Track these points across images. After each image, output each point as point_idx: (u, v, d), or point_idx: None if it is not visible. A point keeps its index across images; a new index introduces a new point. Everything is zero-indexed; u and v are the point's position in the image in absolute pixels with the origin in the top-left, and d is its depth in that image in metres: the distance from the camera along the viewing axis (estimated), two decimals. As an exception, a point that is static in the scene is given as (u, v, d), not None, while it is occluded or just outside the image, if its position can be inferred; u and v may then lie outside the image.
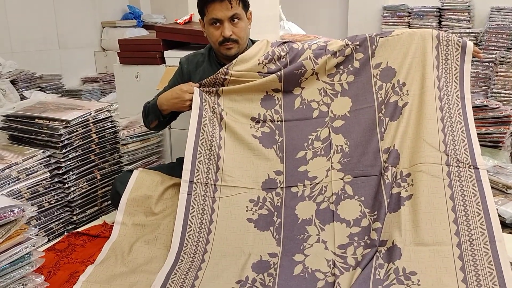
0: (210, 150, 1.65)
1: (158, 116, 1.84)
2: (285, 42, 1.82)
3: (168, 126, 2.21)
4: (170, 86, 1.90)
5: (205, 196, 1.62)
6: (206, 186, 1.62)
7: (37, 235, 1.34)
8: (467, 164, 1.48)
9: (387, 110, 1.62)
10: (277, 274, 1.40)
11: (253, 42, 1.87)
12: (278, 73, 1.71)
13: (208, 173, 1.64)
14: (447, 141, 1.52)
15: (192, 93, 1.71)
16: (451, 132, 1.54)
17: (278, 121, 1.72)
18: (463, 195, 1.43)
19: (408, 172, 1.52)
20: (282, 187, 1.63)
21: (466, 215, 1.39)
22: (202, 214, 1.59)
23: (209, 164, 1.65)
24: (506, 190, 1.94)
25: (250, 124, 1.72)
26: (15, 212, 1.26)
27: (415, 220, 1.42)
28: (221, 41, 1.74)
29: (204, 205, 1.60)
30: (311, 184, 1.61)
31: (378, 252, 1.41)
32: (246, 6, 1.75)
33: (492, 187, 1.99)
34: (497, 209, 1.80)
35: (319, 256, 1.45)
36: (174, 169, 1.91)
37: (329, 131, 1.67)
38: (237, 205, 1.61)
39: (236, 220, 1.58)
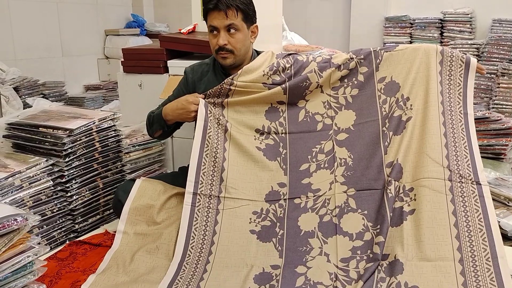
0: (214, 161, 1.66)
1: (162, 126, 1.85)
2: (290, 54, 1.83)
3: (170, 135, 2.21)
4: (174, 96, 1.91)
5: (208, 208, 1.62)
6: (210, 198, 1.63)
7: (39, 244, 1.35)
8: (470, 179, 1.49)
9: (391, 124, 1.63)
10: (279, 286, 1.40)
11: (258, 53, 1.88)
12: (283, 85, 1.72)
13: (212, 184, 1.64)
14: (450, 156, 1.52)
15: (198, 105, 1.72)
16: (454, 147, 1.54)
17: (282, 133, 1.73)
18: (465, 211, 1.43)
19: (411, 187, 1.52)
20: (286, 199, 1.63)
21: (469, 231, 1.39)
22: (206, 225, 1.60)
23: (213, 176, 1.66)
24: (508, 202, 1.94)
25: (255, 136, 1.72)
26: (18, 221, 1.26)
27: (417, 235, 1.42)
28: (217, 50, 1.76)
29: (207, 216, 1.61)
30: (314, 196, 1.61)
31: (380, 266, 1.41)
32: (248, 18, 1.76)
33: (493, 199, 2.00)
34: (499, 222, 1.80)
35: (321, 269, 1.45)
36: (176, 178, 1.91)
37: (333, 144, 1.68)
38: (240, 217, 1.61)
39: (239, 231, 1.58)
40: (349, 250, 1.48)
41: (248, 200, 1.64)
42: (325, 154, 1.68)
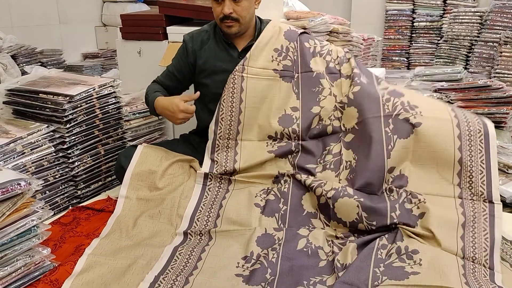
0: (227, 149, 1.74)
1: (152, 112, 1.85)
2: (299, 34, 1.81)
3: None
4: (174, 66, 1.88)
5: (219, 188, 1.70)
6: (221, 179, 1.72)
7: (43, 208, 1.36)
8: (482, 198, 1.45)
9: (396, 126, 1.57)
10: (280, 249, 1.42)
11: (260, 20, 1.85)
12: (296, 90, 1.75)
13: (225, 166, 1.72)
14: (462, 172, 1.48)
15: (188, 114, 1.72)
16: (470, 161, 1.48)
17: (295, 139, 1.73)
18: (473, 227, 1.40)
19: (418, 193, 1.50)
20: (290, 175, 1.67)
21: (474, 253, 1.37)
22: (213, 202, 1.65)
23: (226, 159, 1.73)
24: (507, 170, 1.95)
25: (267, 143, 1.75)
26: (21, 185, 1.27)
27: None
28: (222, 18, 1.72)
29: (216, 195, 1.67)
30: (314, 177, 1.64)
31: (381, 238, 1.42)
32: None
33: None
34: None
35: (322, 234, 1.48)
36: (177, 145, 1.91)
37: (341, 146, 1.68)
38: (247, 194, 1.66)
39: (244, 205, 1.62)
40: (349, 231, 1.50)
41: (257, 182, 1.69)
42: (333, 155, 1.68)
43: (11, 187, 1.26)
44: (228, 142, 1.75)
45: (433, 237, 1.39)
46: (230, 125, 1.74)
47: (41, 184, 1.37)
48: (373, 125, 1.60)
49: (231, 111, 1.74)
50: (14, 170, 1.59)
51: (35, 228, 1.33)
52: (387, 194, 1.52)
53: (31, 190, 1.31)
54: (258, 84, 1.74)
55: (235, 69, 1.73)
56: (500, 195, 1.79)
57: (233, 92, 1.74)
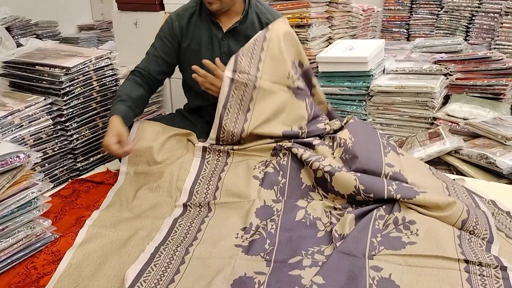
0: (235, 122, 1.70)
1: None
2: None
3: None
4: (159, 48, 1.81)
5: (217, 161, 1.70)
6: (218, 155, 1.71)
7: (42, 180, 1.37)
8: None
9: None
10: (279, 220, 1.44)
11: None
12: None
13: (232, 139, 1.71)
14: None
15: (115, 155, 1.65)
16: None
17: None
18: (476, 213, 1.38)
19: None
20: (287, 148, 1.67)
21: (474, 228, 1.35)
22: (212, 174, 1.65)
23: (233, 132, 1.70)
24: (505, 141, 1.96)
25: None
26: (20, 157, 1.28)
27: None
28: None
29: (215, 168, 1.68)
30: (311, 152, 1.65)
31: (380, 206, 1.43)
32: None
33: (491, 139, 2.03)
34: (495, 160, 1.84)
35: (320, 205, 1.49)
36: (174, 120, 1.91)
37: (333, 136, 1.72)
38: (246, 166, 1.66)
39: (243, 177, 1.62)
40: (347, 202, 1.51)
41: (256, 155, 1.69)
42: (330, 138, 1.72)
43: (10, 160, 1.26)
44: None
45: (434, 204, 1.39)
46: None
47: (40, 156, 1.38)
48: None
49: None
50: (13, 143, 1.59)
51: (35, 200, 1.34)
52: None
53: (30, 162, 1.32)
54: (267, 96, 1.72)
55: (246, 82, 1.69)
56: (497, 166, 1.82)
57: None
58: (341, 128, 1.78)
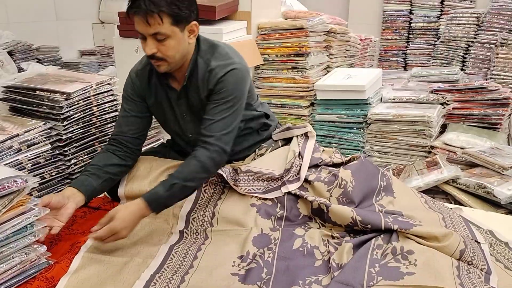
0: None
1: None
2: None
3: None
4: (128, 109, 1.70)
5: (214, 189, 1.67)
6: (216, 185, 1.68)
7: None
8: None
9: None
10: (276, 249, 1.42)
11: (198, 51, 1.62)
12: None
13: (222, 170, 1.66)
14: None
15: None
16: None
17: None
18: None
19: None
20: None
21: (472, 258, 1.35)
22: (209, 201, 1.64)
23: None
24: (503, 171, 1.97)
25: None
26: (18, 182, 1.27)
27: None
28: (149, 56, 1.54)
29: (212, 196, 1.66)
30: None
31: (378, 236, 1.43)
32: (179, 21, 1.48)
33: (488, 168, 2.04)
34: (493, 190, 1.84)
35: (318, 234, 1.48)
36: (166, 151, 1.90)
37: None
38: (243, 195, 1.65)
39: (240, 205, 1.62)
40: (344, 231, 1.51)
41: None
42: (329, 171, 1.70)
43: (8, 184, 1.25)
44: None
45: (431, 235, 1.39)
46: None
47: (37, 181, 1.37)
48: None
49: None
50: (10, 167, 1.59)
51: (31, 225, 1.33)
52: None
53: (27, 187, 1.31)
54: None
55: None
56: (495, 196, 1.82)
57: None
58: (342, 163, 1.77)
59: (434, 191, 2.04)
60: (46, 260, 1.39)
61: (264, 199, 1.63)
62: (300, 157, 1.72)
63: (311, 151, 1.76)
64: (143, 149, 1.86)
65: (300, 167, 1.69)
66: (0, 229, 1.25)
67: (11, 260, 1.29)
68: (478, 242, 1.45)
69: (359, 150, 2.57)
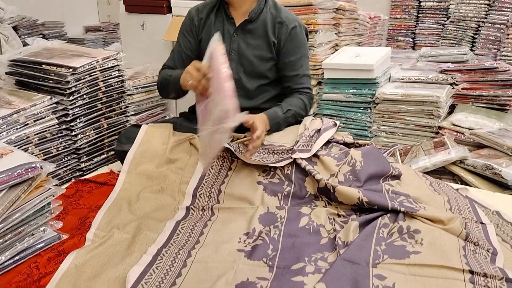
0: None
1: (177, 90, 1.72)
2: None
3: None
4: (182, 44, 1.83)
5: (221, 166, 1.66)
6: (223, 161, 1.66)
7: (56, 185, 1.39)
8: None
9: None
10: (282, 227, 1.42)
11: None
12: None
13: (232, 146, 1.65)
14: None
15: (194, 74, 1.50)
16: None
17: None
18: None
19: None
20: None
21: (477, 239, 1.32)
22: (216, 178, 1.63)
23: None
24: (511, 153, 1.95)
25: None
26: (35, 169, 1.28)
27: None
28: None
29: (219, 173, 1.64)
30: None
31: (385, 215, 1.42)
32: None
33: (496, 150, 2.02)
34: (501, 171, 1.83)
35: (324, 212, 1.48)
36: (177, 123, 1.90)
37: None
38: (250, 171, 1.63)
39: (247, 183, 1.60)
40: (351, 209, 1.50)
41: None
42: (340, 148, 1.70)
43: (24, 171, 1.27)
44: None
45: (437, 219, 1.39)
46: None
47: (43, 157, 1.38)
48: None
49: None
50: (16, 142, 1.59)
51: (48, 204, 1.36)
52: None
53: (43, 173, 1.32)
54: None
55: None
56: (503, 177, 1.80)
57: None
58: (353, 143, 1.77)
59: (441, 172, 2.02)
60: (57, 233, 1.40)
61: (272, 177, 1.62)
62: (314, 132, 1.74)
63: (330, 132, 1.77)
64: (153, 119, 1.88)
65: (312, 138, 1.70)
66: (22, 209, 1.28)
67: (31, 236, 1.32)
68: (483, 223, 1.44)
69: (366, 130, 2.55)
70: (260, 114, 1.68)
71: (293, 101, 1.80)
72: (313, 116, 1.98)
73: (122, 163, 1.75)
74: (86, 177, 1.83)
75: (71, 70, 1.77)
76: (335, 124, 1.84)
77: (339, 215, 1.48)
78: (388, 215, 1.42)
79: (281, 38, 1.78)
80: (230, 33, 1.79)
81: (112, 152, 2.05)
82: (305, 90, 1.85)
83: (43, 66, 1.82)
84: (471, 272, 1.18)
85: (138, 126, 1.80)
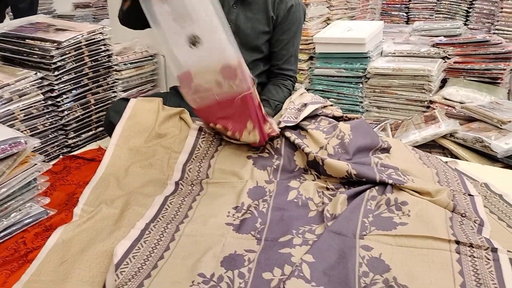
0: None
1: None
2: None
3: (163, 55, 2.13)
4: None
5: (212, 141, 1.66)
6: (213, 136, 1.67)
7: (44, 161, 1.38)
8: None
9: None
10: (271, 200, 1.43)
11: None
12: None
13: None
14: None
15: None
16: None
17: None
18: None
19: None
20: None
21: (465, 210, 1.33)
22: (206, 153, 1.62)
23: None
24: (501, 125, 1.95)
25: None
26: (18, 145, 1.26)
27: None
28: None
29: (209, 147, 1.64)
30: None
31: (373, 187, 1.42)
32: None
33: (486, 123, 2.02)
34: (490, 144, 1.83)
35: (313, 185, 1.48)
36: (167, 97, 1.88)
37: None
38: (239, 146, 1.63)
39: (236, 157, 1.60)
40: (339, 183, 1.50)
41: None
42: (329, 122, 1.69)
43: (8, 146, 1.25)
44: None
45: (424, 191, 1.39)
46: None
47: (38, 142, 1.36)
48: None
49: None
50: (1, 117, 1.57)
51: (35, 180, 1.35)
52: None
53: (28, 149, 1.31)
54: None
55: None
56: (492, 150, 1.81)
57: None
58: (342, 117, 1.76)
59: (431, 146, 2.03)
60: (44, 209, 1.40)
61: (261, 152, 1.62)
62: (301, 105, 1.73)
63: (316, 104, 1.76)
64: (143, 95, 1.85)
65: (299, 112, 1.70)
66: (8, 185, 1.27)
67: (18, 212, 1.31)
68: (471, 195, 1.45)
69: (357, 105, 2.54)
70: None
71: (279, 93, 1.84)
72: (306, 90, 1.96)
73: (110, 136, 1.73)
74: (74, 153, 1.82)
75: (55, 44, 1.74)
76: (326, 101, 1.84)
77: (327, 188, 1.48)
78: (376, 187, 1.42)
79: (279, 14, 1.79)
80: (229, 4, 1.78)
81: (101, 129, 2.03)
82: (290, 73, 1.88)
83: (27, 40, 1.78)
84: (457, 242, 1.18)
85: (127, 100, 1.78)
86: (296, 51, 1.89)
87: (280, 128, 1.62)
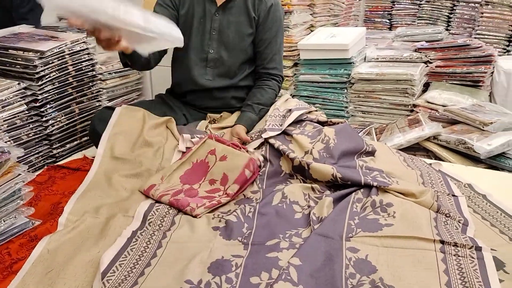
0: None
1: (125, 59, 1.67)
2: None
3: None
4: (158, 4, 1.80)
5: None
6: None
7: (27, 171, 1.36)
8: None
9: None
10: (257, 205, 1.43)
11: None
12: None
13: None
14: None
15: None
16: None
17: None
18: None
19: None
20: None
21: (449, 210, 1.35)
22: None
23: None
24: (483, 127, 1.98)
25: None
26: (5, 152, 1.25)
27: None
28: None
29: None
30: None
31: (358, 190, 1.44)
32: None
33: (469, 125, 2.05)
34: (473, 145, 1.86)
35: (298, 188, 1.49)
36: (152, 105, 1.88)
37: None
38: None
39: None
40: (325, 186, 1.51)
41: None
42: (314, 127, 1.70)
43: None
44: None
45: (409, 192, 1.41)
46: None
47: (14, 143, 1.35)
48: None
49: None
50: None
51: (19, 190, 1.33)
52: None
53: (11, 159, 1.29)
54: None
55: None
56: (475, 151, 1.84)
57: None
58: (327, 122, 1.78)
59: (415, 148, 2.05)
60: (29, 219, 1.38)
61: None
62: (286, 111, 1.75)
63: (301, 110, 1.77)
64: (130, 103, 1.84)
65: (284, 118, 1.72)
66: None
67: (2, 223, 1.30)
68: (455, 196, 1.47)
69: (342, 110, 2.56)
70: (238, 126, 1.73)
71: (264, 96, 1.84)
72: (291, 96, 1.98)
73: (96, 145, 1.72)
74: (59, 163, 1.80)
75: (38, 54, 1.73)
76: (310, 107, 1.85)
77: (313, 190, 1.49)
78: (362, 190, 1.43)
79: (260, 14, 1.81)
80: (211, 13, 1.79)
81: (86, 138, 2.02)
82: (275, 71, 1.89)
83: (10, 51, 1.77)
84: (442, 242, 1.20)
85: (112, 109, 1.78)
86: (280, 50, 1.91)
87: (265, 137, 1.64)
